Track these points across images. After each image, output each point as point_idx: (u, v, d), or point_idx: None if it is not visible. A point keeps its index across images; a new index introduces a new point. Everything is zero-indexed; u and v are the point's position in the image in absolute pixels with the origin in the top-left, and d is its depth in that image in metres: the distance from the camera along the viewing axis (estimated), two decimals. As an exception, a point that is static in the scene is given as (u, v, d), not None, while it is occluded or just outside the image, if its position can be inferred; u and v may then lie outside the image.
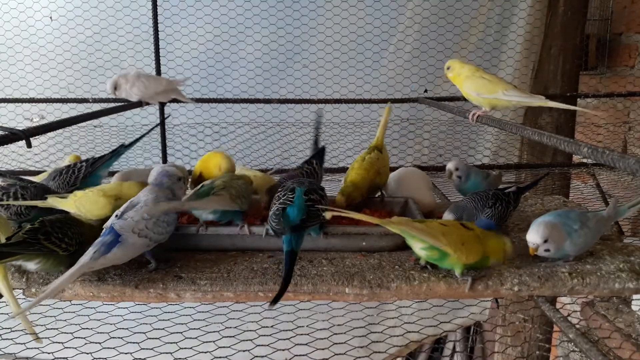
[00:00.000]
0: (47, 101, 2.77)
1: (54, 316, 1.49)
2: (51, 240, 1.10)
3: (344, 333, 1.48)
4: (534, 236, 1.13)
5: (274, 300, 1.00)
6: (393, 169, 1.68)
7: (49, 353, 1.41)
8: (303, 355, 1.41)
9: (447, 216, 1.31)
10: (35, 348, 1.40)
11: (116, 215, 1.12)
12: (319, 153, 1.60)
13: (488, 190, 1.39)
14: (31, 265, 1.12)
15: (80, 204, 1.28)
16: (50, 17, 2.90)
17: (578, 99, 3.03)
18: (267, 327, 1.55)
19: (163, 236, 1.15)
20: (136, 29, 2.84)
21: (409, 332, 1.49)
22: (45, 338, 1.40)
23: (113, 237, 1.07)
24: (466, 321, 3.10)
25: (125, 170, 1.71)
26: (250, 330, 1.52)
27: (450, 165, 1.60)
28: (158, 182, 1.22)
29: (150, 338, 1.49)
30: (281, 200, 1.16)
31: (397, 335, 1.56)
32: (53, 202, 1.32)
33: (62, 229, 1.13)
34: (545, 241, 1.12)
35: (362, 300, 1.13)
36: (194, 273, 1.14)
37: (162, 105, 2.59)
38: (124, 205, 1.15)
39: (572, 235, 1.13)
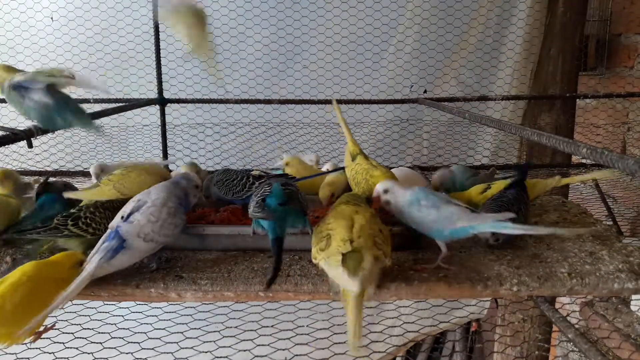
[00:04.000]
0: (48, 101, 2.77)
1: (55, 316, 1.50)
2: (78, 226, 1.15)
3: (344, 333, 1.49)
4: (379, 186, 1.21)
5: (268, 284, 1.04)
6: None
7: (50, 353, 1.41)
8: (303, 355, 1.42)
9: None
10: (36, 348, 1.41)
11: (122, 217, 1.07)
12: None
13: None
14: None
15: (122, 185, 1.28)
16: (51, 18, 2.90)
17: (577, 100, 3.04)
18: (267, 326, 1.55)
19: (170, 238, 1.11)
20: (137, 29, 2.84)
21: (408, 331, 1.50)
22: (47, 338, 1.41)
23: (118, 242, 1.03)
24: (464, 320, 3.10)
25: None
26: (251, 330, 1.52)
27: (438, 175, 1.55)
28: (175, 180, 1.19)
29: (151, 338, 1.49)
30: (259, 194, 1.19)
31: (397, 335, 1.56)
32: (75, 195, 1.29)
33: (94, 213, 1.18)
34: (386, 191, 1.19)
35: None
36: (195, 273, 1.14)
37: (162, 106, 2.59)
38: (130, 205, 1.10)
39: (412, 205, 1.15)
